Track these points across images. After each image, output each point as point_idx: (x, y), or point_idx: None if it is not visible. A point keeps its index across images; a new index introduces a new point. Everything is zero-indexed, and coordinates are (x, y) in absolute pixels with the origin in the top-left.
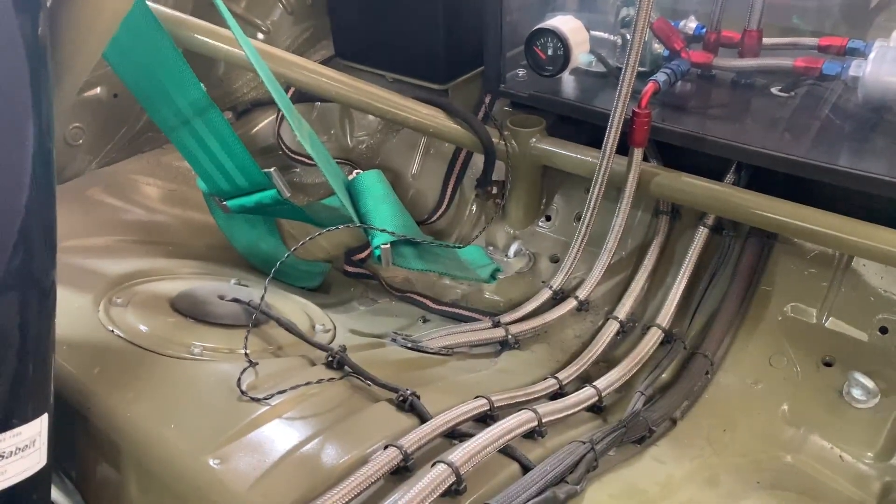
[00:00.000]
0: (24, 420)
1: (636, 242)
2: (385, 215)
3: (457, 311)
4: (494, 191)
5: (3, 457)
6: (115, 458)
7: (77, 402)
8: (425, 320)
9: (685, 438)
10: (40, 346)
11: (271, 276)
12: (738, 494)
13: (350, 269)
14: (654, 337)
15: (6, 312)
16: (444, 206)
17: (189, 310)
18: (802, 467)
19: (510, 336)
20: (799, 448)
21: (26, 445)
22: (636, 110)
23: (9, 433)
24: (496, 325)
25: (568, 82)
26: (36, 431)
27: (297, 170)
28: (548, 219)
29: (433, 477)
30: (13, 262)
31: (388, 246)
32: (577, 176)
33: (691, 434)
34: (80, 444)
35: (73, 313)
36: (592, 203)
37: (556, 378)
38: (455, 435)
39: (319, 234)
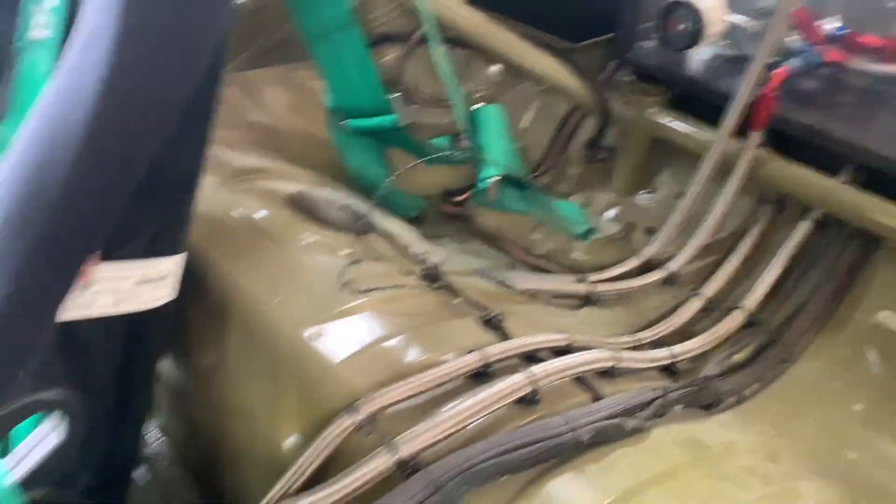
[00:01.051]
0: (167, 253)
1: (734, 227)
2: (500, 150)
3: (544, 263)
4: (602, 156)
5: (143, 282)
6: (222, 319)
7: (196, 265)
8: (511, 268)
9: (751, 416)
10: (188, 190)
11: (378, 192)
12: (797, 475)
13: (447, 209)
14: (737, 319)
15: (173, 155)
16: (548, 163)
17: (303, 207)
18: (865, 466)
19: (593, 293)
20: (865, 448)
21: (162, 277)
22: (763, 93)
23: (153, 261)
24: (581, 280)
25: (695, 60)
26: (173, 267)
27: (413, 108)
28: (651, 191)
29: (512, 381)
30: (186, 123)
31: (497, 179)
32: (686, 152)
33: (758, 414)
34: (191, 305)
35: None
36: (699, 181)
37: (634, 337)
38: (534, 359)
39: (424, 161)
